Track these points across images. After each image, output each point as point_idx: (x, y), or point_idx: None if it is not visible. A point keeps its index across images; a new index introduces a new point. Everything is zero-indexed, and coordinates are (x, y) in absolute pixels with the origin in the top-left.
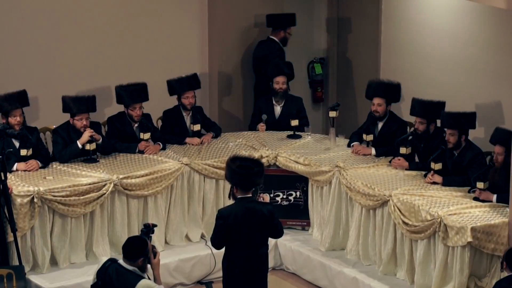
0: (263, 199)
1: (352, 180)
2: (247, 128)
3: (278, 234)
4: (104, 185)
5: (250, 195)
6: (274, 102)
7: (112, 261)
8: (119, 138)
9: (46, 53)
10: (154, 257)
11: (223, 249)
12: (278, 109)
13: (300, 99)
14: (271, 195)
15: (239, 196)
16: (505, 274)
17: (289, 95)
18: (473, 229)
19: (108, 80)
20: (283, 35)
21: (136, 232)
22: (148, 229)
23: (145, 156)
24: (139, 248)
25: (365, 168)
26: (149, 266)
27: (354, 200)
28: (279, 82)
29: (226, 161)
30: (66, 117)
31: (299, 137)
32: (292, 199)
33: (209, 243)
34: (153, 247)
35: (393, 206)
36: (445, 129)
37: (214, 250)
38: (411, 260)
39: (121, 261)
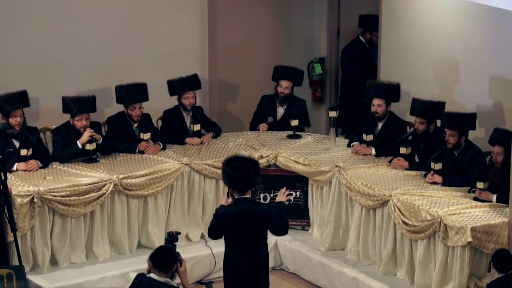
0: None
1: (352, 180)
2: (247, 128)
3: (278, 233)
4: (104, 185)
5: (248, 195)
6: (277, 104)
7: (141, 277)
8: (119, 138)
9: (47, 53)
10: (181, 266)
11: (223, 250)
12: (281, 111)
13: (303, 102)
14: (271, 195)
15: (236, 197)
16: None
17: (294, 97)
18: (473, 229)
19: (108, 80)
20: (369, 36)
21: (136, 232)
22: (172, 237)
23: (145, 156)
24: (171, 256)
25: (365, 168)
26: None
27: (354, 200)
28: (283, 86)
29: (222, 164)
30: (66, 117)
31: (299, 137)
32: (292, 199)
33: (209, 243)
34: (178, 254)
35: (393, 206)
36: (445, 130)
37: (214, 250)
38: (411, 260)
39: (151, 275)
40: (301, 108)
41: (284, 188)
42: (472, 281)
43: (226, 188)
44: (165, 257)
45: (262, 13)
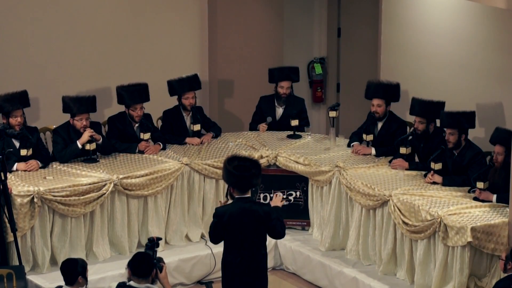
0: (276, 196)
1: (352, 180)
2: (247, 129)
3: (276, 235)
4: (104, 185)
5: (248, 195)
6: (276, 104)
7: (122, 286)
8: (120, 138)
9: (47, 54)
10: (161, 271)
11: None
12: (280, 111)
13: (302, 100)
14: (271, 195)
15: (236, 196)
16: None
17: (292, 96)
18: (473, 229)
19: (109, 80)
20: None
21: (136, 232)
22: (153, 243)
23: (145, 156)
24: (149, 263)
25: (365, 168)
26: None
27: (354, 200)
28: (284, 87)
29: (223, 162)
30: (66, 117)
31: (299, 137)
32: (292, 199)
33: (209, 243)
34: (161, 259)
35: (393, 206)
36: (445, 129)
37: (214, 250)
38: (411, 260)
39: (131, 282)
40: (300, 106)
41: (280, 193)
42: (472, 281)
43: (226, 189)
44: (142, 264)
45: (262, 13)
